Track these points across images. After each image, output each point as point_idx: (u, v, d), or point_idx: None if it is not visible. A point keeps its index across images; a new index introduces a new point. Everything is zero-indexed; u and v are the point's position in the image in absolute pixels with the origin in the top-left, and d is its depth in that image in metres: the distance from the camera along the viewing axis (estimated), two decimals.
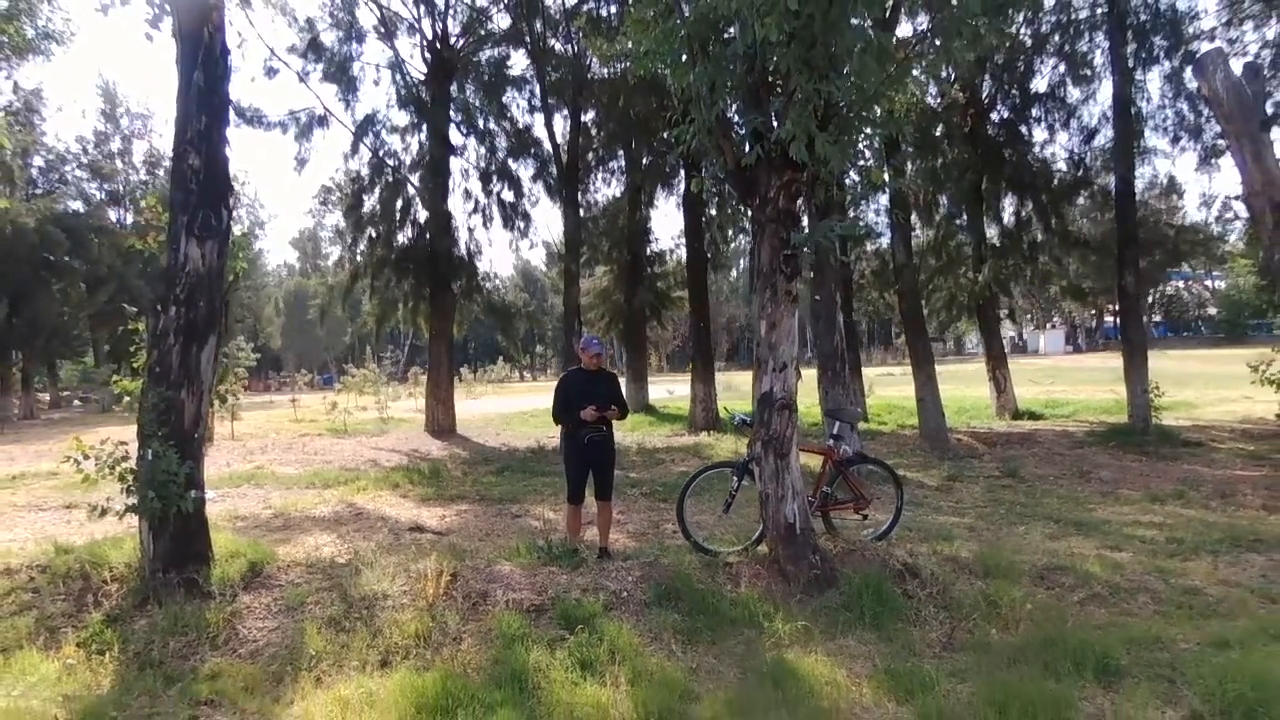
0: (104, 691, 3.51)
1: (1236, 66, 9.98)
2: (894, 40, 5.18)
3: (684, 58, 4.51)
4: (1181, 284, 58.02)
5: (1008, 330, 59.23)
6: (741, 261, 46.93)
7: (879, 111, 5.76)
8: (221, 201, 4.99)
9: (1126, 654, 3.68)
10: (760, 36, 3.51)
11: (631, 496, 8.39)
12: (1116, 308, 15.43)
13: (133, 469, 4.59)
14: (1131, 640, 3.90)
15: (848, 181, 10.54)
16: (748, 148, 4.57)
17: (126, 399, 6.11)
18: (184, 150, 4.89)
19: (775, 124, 4.50)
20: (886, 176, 11.74)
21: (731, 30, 4.38)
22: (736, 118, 4.92)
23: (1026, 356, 50.31)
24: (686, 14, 4.20)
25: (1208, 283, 57.26)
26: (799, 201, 4.80)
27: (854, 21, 3.63)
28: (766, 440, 4.76)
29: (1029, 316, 61.20)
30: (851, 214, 14.89)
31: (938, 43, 4.63)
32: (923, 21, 6.10)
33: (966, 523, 6.77)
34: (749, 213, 5.03)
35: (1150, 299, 59.44)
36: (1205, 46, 11.76)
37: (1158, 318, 60.76)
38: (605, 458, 5.59)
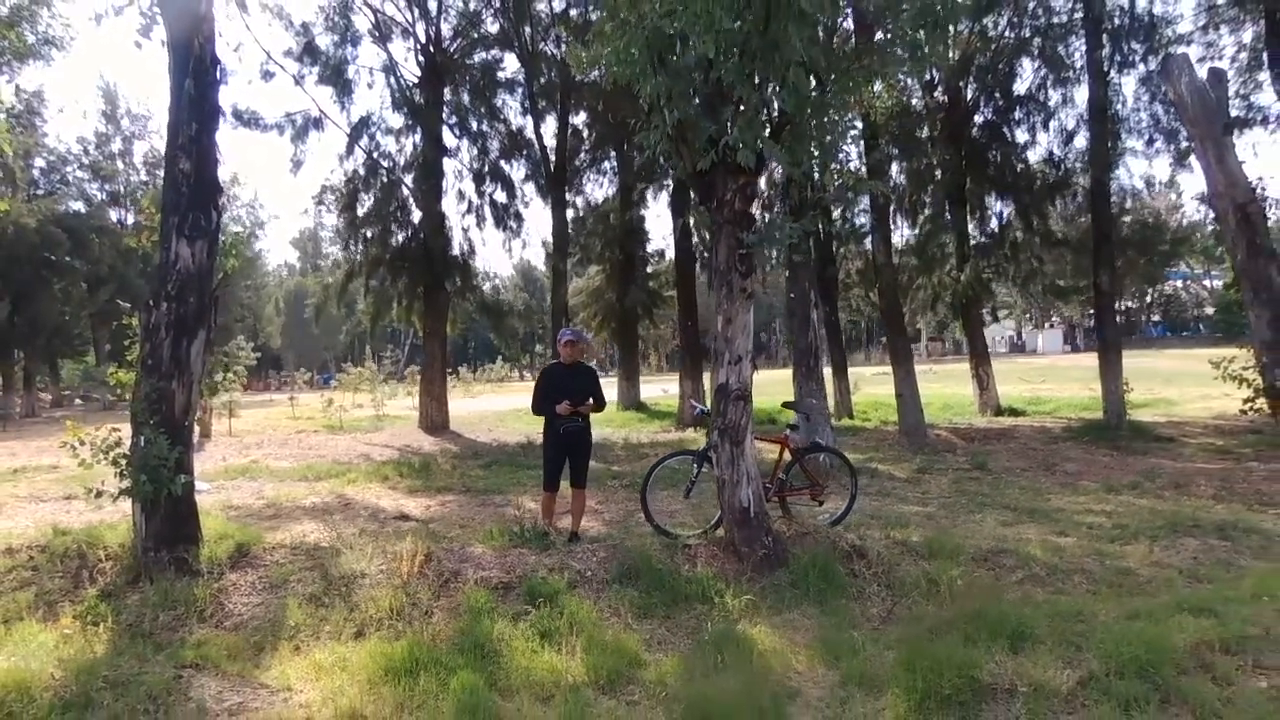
0: (97, 656, 3.81)
1: (1203, 72, 10.29)
2: (837, 53, 5.44)
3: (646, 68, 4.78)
4: (1180, 284, 58.23)
5: (1006, 329, 59.47)
6: None
7: (852, 119, 6.03)
8: (211, 203, 5.28)
9: (1047, 625, 3.94)
10: (701, 52, 3.79)
11: (611, 488, 8.66)
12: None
13: (126, 454, 4.88)
14: (1057, 614, 4.17)
15: (833, 182, 10.82)
16: (705, 153, 4.86)
17: (127, 397, 6.40)
18: (175, 155, 5.19)
19: (730, 131, 4.78)
20: (865, 178, 12.02)
21: (690, 42, 4.67)
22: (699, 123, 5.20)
23: (1025, 356, 50.47)
24: (644, 28, 4.46)
25: (1206, 282, 57.46)
26: (754, 204, 5.07)
27: (792, 38, 3.88)
28: (723, 429, 5.04)
29: (1027, 316, 61.43)
30: (840, 213, 15.19)
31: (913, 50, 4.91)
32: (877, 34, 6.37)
33: (928, 511, 7.05)
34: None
35: (1149, 299, 59.74)
36: (1182, 51, 12.04)
37: (1156, 317, 61.03)
38: (581, 447, 5.89)
